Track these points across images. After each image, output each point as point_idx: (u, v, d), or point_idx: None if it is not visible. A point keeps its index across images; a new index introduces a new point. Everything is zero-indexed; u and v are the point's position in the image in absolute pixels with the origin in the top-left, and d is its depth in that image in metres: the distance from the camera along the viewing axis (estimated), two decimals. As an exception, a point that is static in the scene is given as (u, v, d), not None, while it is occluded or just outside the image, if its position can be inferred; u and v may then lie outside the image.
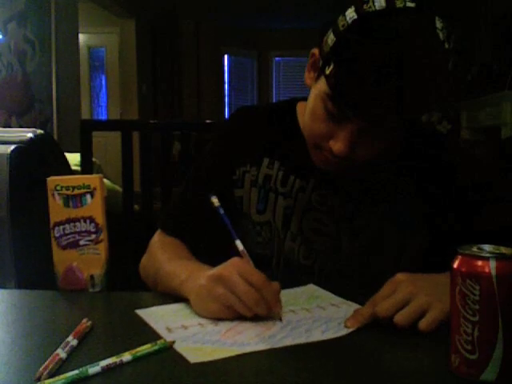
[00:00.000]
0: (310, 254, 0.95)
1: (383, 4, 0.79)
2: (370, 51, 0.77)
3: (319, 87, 0.85)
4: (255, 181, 0.98)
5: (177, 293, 0.81)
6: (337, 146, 0.84)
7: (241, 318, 0.73)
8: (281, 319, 0.73)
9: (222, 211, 0.82)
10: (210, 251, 0.97)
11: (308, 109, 0.90)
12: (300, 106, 1.02)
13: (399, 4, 0.79)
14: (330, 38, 0.82)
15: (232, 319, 0.73)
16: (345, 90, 0.80)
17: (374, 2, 0.79)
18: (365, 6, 0.79)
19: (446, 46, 0.80)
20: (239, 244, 0.80)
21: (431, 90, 0.80)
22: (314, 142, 0.90)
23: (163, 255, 0.94)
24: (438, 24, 0.79)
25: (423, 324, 0.67)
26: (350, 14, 0.80)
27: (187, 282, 0.80)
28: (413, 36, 0.77)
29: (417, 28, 0.78)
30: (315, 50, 0.89)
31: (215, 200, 0.83)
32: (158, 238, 1.02)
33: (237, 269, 0.74)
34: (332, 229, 0.95)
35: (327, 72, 0.82)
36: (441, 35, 0.79)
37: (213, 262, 0.87)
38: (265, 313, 0.72)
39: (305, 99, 1.00)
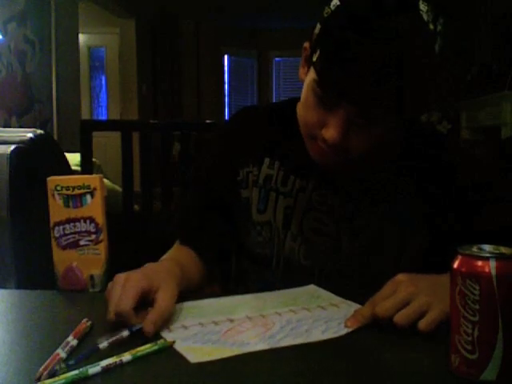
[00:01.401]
0: (310, 254, 0.95)
1: None
2: (351, 35, 0.77)
3: (309, 77, 0.86)
4: (256, 181, 0.98)
5: None
6: (329, 133, 0.83)
7: (241, 317, 0.73)
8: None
9: None
10: (222, 254, 0.99)
11: (301, 100, 0.91)
12: (299, 106, 1.02)
13: None
14: (317, 27, 0.83)
15: (231, 320, 0.72)
16: (330, 74, 0.80)
17: None
18: None
19: (431, 26, 0.79)
20: None
21: (412, 73, 0.79)
22: (307, 132, 0.90)
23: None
24: (422, 6, 0.79)
25: (423, 324, 0.67)
26: (334, 1, 0.82)
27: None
28: (394, 17, 0.77)
29: (398, 8, 0.78)
30: (306, 44, 0.90)
31: None
32: (173, 248, 1.01)
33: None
34: (332, 229, 0.95)
35: (314, 59, 0.83)
36: (425, 16, 0.79)
37: (225, 265, 0.87)
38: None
39: None
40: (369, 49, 0.76)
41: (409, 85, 0.79)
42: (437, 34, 0.80)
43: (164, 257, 0.94)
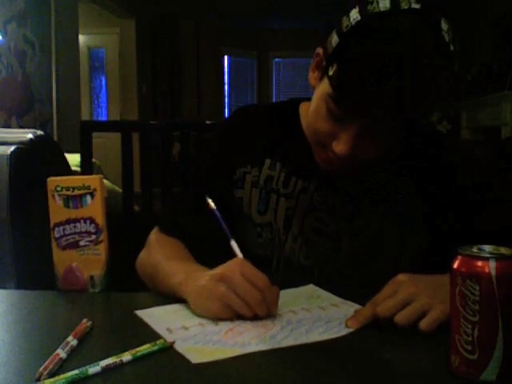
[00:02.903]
0: (310, 255, 0.95)
1: (387, 5, 0.78)
2: (371, 52, 0.76)
3: (322, 88, 0.85)
4: (256, 182, 0.98)
5: (174, 293, 0.81)
6: (339, 147, 0.84)
7: (241, 318, 0.73)
8: (274, 318, 0.74)
9: (217, 213, 0.82)
10: (209, 252, 0.97)
11: (312, 108, 0.90)
12: (303, 107, 1.02)
13: (404, 5, 0.78)
14: (334, 39, 0.82)
15: (232, 320, 0.73)
16: (346, 92, 0.80)
17: (378, 3, 0.79)
18: (369, 7, 0.79)
19: (452, 47, 0.79)
20: (234, 245, 0.80)
21: (431, 91, 0.80)
22: (316, 141, 0.90)
23: (161, 254, 0.94)
24: (444, 25, 0.79)
25: (423, 324, 0.67)
26: (354, 14, 0.79)
27: (186, 282, 0.79)
28: (413, 36, 0.77)
29: (418, 28, 0.78)
30: (319, 50, 0.89)
31: (211, 202, 0.83)
32: (156, 237, 1.01)
33: (239, 269, 0.74)
34: (332, 228, 0.95)
35: (330, 73, 0.82)
36: (446, 37, 0.79)
37: (211, 263, 0.87)
38: (264, 314, 0.73)
39: (308, 100, 1.00)
40: (391, 71, 0.76)
41: (427, 104, 0.80)
42: (456, 53, 0.80)
43: (180, 261, 0.91)
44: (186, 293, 0.79)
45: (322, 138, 0.88)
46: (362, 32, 0.78)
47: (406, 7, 0.78)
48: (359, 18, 0.79)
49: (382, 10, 0.78)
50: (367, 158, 0.86)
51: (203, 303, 0.75)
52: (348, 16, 0.80)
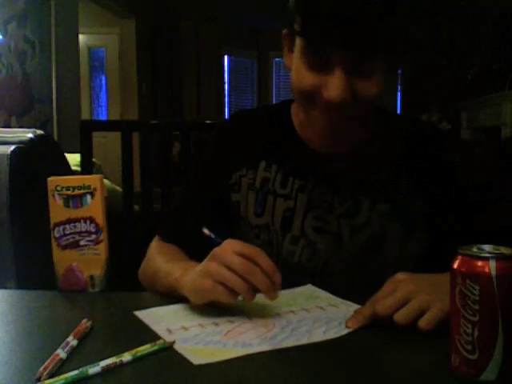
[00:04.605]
0: (312, 255, 0.95)
1: None
2: None
3: (296, 51, 0.86)
4: (252, 184, 0.98)
5: (173, 289, 0.81)
6: (331, 93, 0.82)
7: (241, 318, 0.73)
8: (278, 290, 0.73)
9: (217, 240, 0.81)
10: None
11: (293, 75, 0.89)
12: (294, 107, 1.02)
13: None
14: (291, 2, 0.84)
15: (231, 321, 0.72)
16: (314, 27, 0.80)
17: None
18: None
19: None
20: None
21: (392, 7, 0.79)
22: (307, 102, 0.88)
23: (161, 258, 0.95)
24: None
25: (423, 322, 0.67)
26: None
27: (183, 276, 0.80)
28: None
29: None
30: (285, 31, 0.91)
31: (206, 231, 0.83)
32: (155, 244, 1.03)
33: (230, 246, 0.74)
34: (333, 226, 0.94)
35: (296, 28, 0.83)
36: None
37: None
38: (264, 285, 0.71)
39: None
40: None
41: (393, 21, 0.80)
42: None
43: (179, 261, 0.91)
44: (182, 283, 0.78)
45: (311, 94, 0.86)
46: None
47: None
48: None
49: None
50: (363, 99, 0.84)
51: (196, 284, 0.74)
52: None
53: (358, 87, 0.83)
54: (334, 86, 0.82)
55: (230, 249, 0.73)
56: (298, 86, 0.87)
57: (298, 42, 0.85)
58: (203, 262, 0.76)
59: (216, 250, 0.75)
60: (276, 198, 0.96)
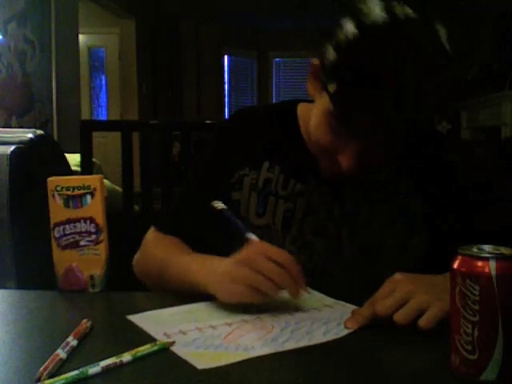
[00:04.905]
0: (310, 256, 0.95)
1: (382, 16, 0.76)
2: (371, 72, 0.75)
3: (324, 102, 0.84)
4: (255, 184, 0.97)
5: (191, 286, 0.81)
6: (345, 162, 0.83)
7: (238, 320, 0.73)
8: (306, 291, 0.76)
9: (228, 213, 0.84)
10: (207, 253, 0.97)
11: (314, 121, 0.89)
12: (301, 108, 1.01)
13: (399, 13, 0.76)
14: (331, 53, 0.80)
15: (228, 323, 0.72)
16: (349, 112, 0.79)
17: (372, 14, 0.76)
18: (363, 18, 0.77)
19: (451, 53, 0.78)
20: (253, 237, 0.81)
21: (434, 107, 0.80)
22: (321, 153, 0.90)
23: (167, 252, 0.94)
24: (442, 31, 0.77)
25: (423, 321, 0.67)
26: (349, 26, 0.77)
27: (204, 271, 0.80)
28: (413, 53, 0.75)
29: (416, 43, 0.76)
30: (315, 61, 0.87)
31: (219, 203, 0.84)
32: (153, 237, 1.01)
33: (260, 250, 0.76)
34: (332, 230, 0.94)
35: (330, 89, 0.80)
36: (446, 45, 0.77)
37: None
38: (293, 291, 0.74)
39: (306, 101, 1.00)
40: (393, 91, 0.75)
41: (431, 119, 0.81)
42: (456, 59, 0.79)
43: (191, 255, 0.91)
44: (205, 281, 0.79)
45: (325, 151, 0.87)
46: (359, 48, 0.76)
47: (403, 17, 0.76)
48: (355, 31, 0.77)
49: (377, 21, 0.76)
50: (374, 165, 0.86)
51: (228, 288, 0.75)
52: (342, 27, 0.78)
53: (372, 156, 0.83)
54: (349, 155, 0.83)
55: (259, 253, 0.75)
56: (315, 138, 0.89)
57: (328, 100, 0.82)
58: (231, 262, 0.77)
59: (245, 254, 0.76)
60: (278, 199, 0.96)
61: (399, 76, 0.75)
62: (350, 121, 0.80)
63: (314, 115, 0.89)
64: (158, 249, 0.97)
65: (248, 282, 0.73)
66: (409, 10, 0.77)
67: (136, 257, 1.02)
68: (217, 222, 0.90)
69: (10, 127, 3.75)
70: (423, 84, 0.76)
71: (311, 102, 0.93)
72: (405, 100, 0.76)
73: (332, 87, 0.80)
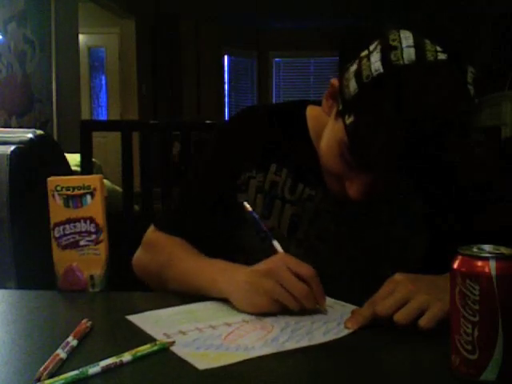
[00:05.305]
0: (315, 260, 0.94)
1: (412, 57, 0.73)
2: (394, 112, 0.73)
3: (337, 129, 0.82)
4: (261, 187, 0.96)
5: (205, 290, 0.82)
6: (352, 192, 0.83)
7: (237, 320, 0.73)
8: (325, 311, 0.76)
9: (255, 215, 0.85)
10: (209, 253, 0.97)
11: (325, 143, 0.87)
12: (311, 111, 1.00)
13: (430, 56, 0.73)
14: (352, 85, 0.77)
15: (228, 323, 0.72)
16: (363, 148, 0.77)
17: (402, 52, 0.73)
18: (392, 56, 0.74)
19: (476, 101, 0.77)
20: (276, 244, 0.82)
21: (455, 147, 0.80)
22: (329, 174, 0.89)
23: (172, 253, 0.93)
24: (470, 77, 0.75)
25: (423, 321, 0.67)
26: (376, 63, 0.74)
27: (222, 278, 0.80)
28: (441, 101, 0.73)
29: (442, 89, 0.73)
30: (334, 81, 0.84)
31: (247, 205, 0.86)
32: (155, 236, 1.00)
33: (285, 263, 0.76)
34: (337, 235, 0.94)
35: (347, 121, 0.78)
36: (471, 91, 0.75)
37: None
38: (312, 306, 0.75)
39: (315, 103, 0.99)
40: (412, 134, 0.74)
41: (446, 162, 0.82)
42: (477, 107, 0.78)
43: (202, 258, 0.91)
44: (224, 289, 0.79)
45: (334, 173, 0.86)
46: (383, 87, 0.74)
47: (432, 58, 0.73)
48: (381, 69, 0.74)
49: (406, 62, 0.73)
50: (381, 195, 0.86)
51: (249, 298, 0.75)
52: (369, 61, 0.75)
53: (378, 187, 0.83)
54: (356, 187, 0.83)
55: (284, 266, 0.75)
56: (325, 160, 0.87)
57: (342, 128, 0.80)
58: (254, 273, 0.77)
59: (270, 265, 0.77)
60: (284, 203, 0.95)
61: (418, 125, 0.73)
62: (363, 156, 0.79)
63: (326, 136, 0.87)
64: (160, 248, 0.96)
65: (270, 295, 0.74)
66: (439, 49, 0.74)
67: (136, 255, 1.01)
68: (232, 221, 0.92)
69: (10, 127, 3.75)
70: (443, 131, 0.75)
71: (319, 103, 0.91)
72: (425, 139, 0.75)
73: (348, 119, 0.78)
